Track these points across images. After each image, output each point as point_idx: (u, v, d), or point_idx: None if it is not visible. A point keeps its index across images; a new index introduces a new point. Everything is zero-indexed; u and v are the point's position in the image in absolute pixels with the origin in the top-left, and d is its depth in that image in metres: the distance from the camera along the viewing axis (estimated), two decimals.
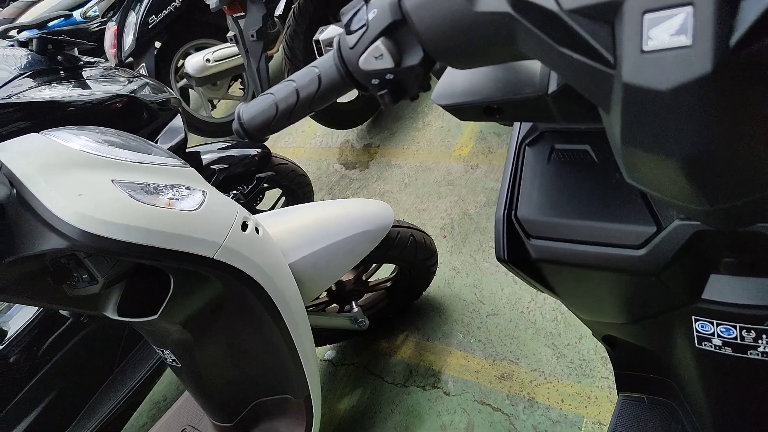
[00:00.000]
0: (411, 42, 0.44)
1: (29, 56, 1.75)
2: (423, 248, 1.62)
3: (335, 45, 0.50)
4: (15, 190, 0.95)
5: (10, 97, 1.51)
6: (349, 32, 0.47)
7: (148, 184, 1.03)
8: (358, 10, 0.47)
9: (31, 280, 1.01)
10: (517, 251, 0.67)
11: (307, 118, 2.86)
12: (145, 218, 0.96)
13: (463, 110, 0.56)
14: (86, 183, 0.96)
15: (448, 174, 2.40)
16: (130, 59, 3.44)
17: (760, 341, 0.57)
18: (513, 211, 0.67)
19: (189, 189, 1.09)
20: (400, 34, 0.45)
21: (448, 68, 0.56)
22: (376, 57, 0.45)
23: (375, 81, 0.47)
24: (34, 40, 1.76)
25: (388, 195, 2.53)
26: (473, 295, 1.87)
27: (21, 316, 1.60)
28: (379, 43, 0.45)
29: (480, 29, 0.39)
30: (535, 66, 0.51)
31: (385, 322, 1.92)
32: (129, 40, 3.39)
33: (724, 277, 0.57)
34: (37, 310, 1.61)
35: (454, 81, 0.55)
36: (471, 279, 1.92)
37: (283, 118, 0.55)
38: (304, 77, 0.54)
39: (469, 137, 2.49)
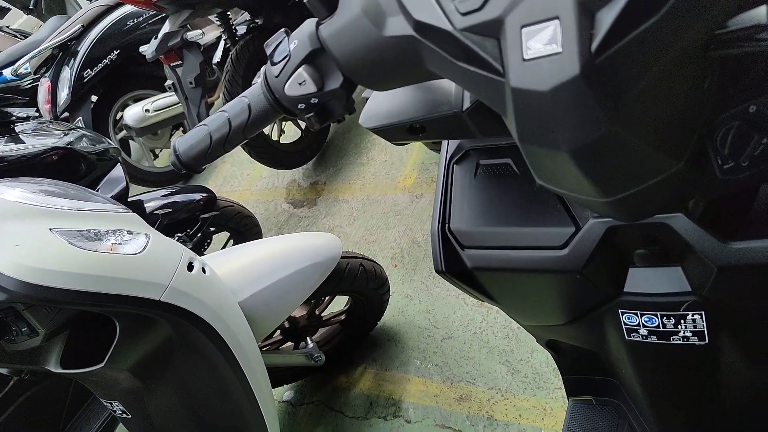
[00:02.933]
0: (331, 67, 0.48)
1: None
2: (374, 277, 1.65)
3: (262, 75, 0.54)
4: None
5: None
6: (273, 63, 0.51)
7: (89, 231, 1.02)
8: (281, 42, 0.51)
9: None
10: (453, 262, 0.71)
11: (252, 160, 2.88)
12: (87, 264, 0.95)
13: (389, 131, 0.60)
14: (23, 233, 0.94)
15: (394, 205, 2.45)
16: (66, 114, 3.38)
17: (679, 326, 0.62)
18: (446, 225, 0.71)
19: (131, 233, 1.08)
20: (320, 60, 0.49)
21: (373, 93, 0.61)
22: (300, 83, 0.49)
23: (301, 106, 0.51)
24: None
25: (338, 229, 2.55)
26: (427, 320, 1.89)
27: None
28: (301, 70, 0.49)
29: (390, 52, 0.44)
30: (450, 85, 0.56)
31: (342, 356, 1.91)
32: (64, 94, 3.33)
33: (641, 270, 0.62)
34: None
35: (378, 104, 0.60)
36: (424, 305, 1.95)
37: (218, 147, 0.58)
38: (234, 107, 0.57)
39: (412, 168, 2.56)
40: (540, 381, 1.55)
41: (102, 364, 1.01)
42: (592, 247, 0.60)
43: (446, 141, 0.74)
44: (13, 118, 1.83)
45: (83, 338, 1.08)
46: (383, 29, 0.43)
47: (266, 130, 2.81)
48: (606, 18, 0.31)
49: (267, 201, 3.04)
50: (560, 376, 1.50)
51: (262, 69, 0.54)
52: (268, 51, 0.52)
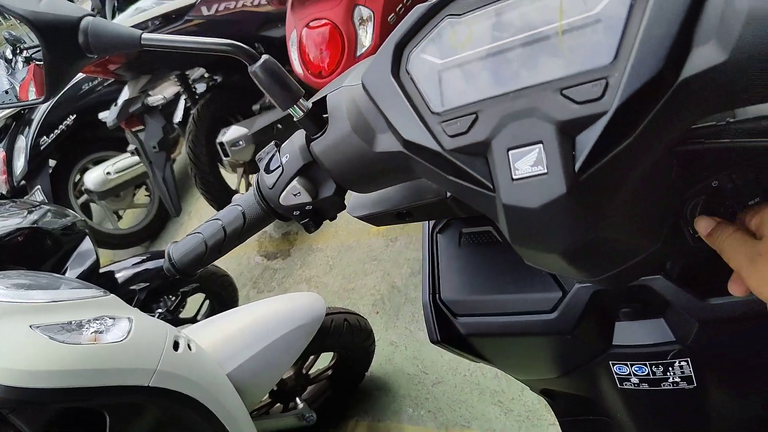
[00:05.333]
0: (324, 177, 0.50)
1: None
2: (359, 330, 1.64)
3: (254, 185, 0.55)
4: None
5: None
6: (268, 172, 0.52)
7: (70, 323, 1.00)
8: (273, 155, 0.53)
9: None
10: (447, 331, 0.73)
11: None
12: (72, 359, 0.92)
13: (376, 218, 0.62)
14: (3, 334, 0.92)
15: (370, 251, 2.46)
16: (23, 183, 3.29)
17: (668, 373, 0.64)
18: (437, 295, 0.73)
19: (113, 318, 1.06)
20: (312, 172, 0.50)
21: None
22: (295, 194, 0.50)
23: (296, 213, 0.52)
24: None
25: (315, 279, 2.54)
26: (415, 366, 1.89)
27: None
28: (295, 182, 0.50)
29: (381, 164, 0.46)
30: None
31: (333, 412, 1.88)
32: (20, 164, 3.26)
33: (627, 323, 0.65)
34: None
35: (364, 195, 0.61)
36: (410, 351, 1.95)
37: (213, 252, 0.59)
38: (228, 215, 0.58)
39: None
40: (533, 418, 1.56)
41: None
42: (580, 310, 0.62)
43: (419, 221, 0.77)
44: None
45: None
46: (373, 145, 0.45)
47: (232, 183, 2.81)
48: (586, 140, 0.34)
49: (239, 255, 3.00)
50: (551, 412, 1.53)
51: (255, 178, 0.55)
52: (261, 164, 0.54)
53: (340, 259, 2.55)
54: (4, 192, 3.29)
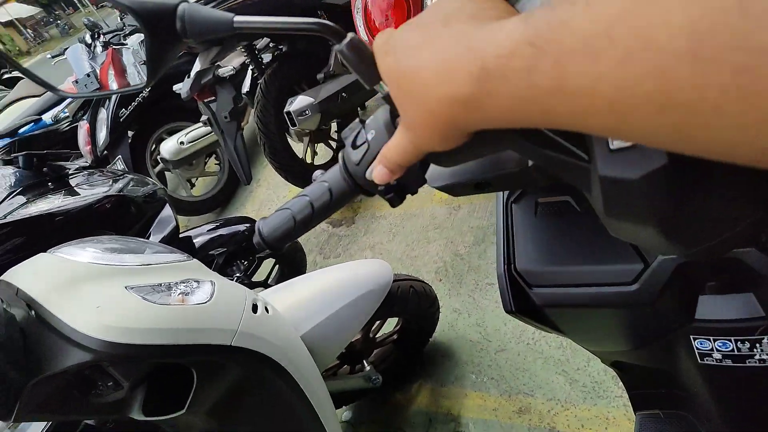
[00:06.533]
0: None
1: (16, 173, 1.80)
2: (424, 297, 1.67)
3: (341, 161, 0.57)
4: (33, 312, 0.99)
5: (5, 217, 1.55)
6: (354, 148, 0.54)
7: (160, 285, 1.07)
8: (358, 132, 0.54)
9: (58, 396, 1.03)
10: (521, 301, 0.73)
11: (287, 183, 2.94)
12: (163, 318, 1.00)
13: (455, 188, 0.62)
14: (101, 294, 1.00)
15: (433, 218, 2.47)
16: (106, 152, 3.51)
17: (755, 350, 0.62)
18: (512, 265, 0.74)
19: (198, 282, 1.13)
20: None
21: None
22: None
23: (381, 188, 0.54)
24: (20, 158, 1.82)
25: (379, 246, 2.58)
26: (478, 334, 1.91)
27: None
28: None
29: (470, 137, 0.46)
30: None
31: (397, 375, 1.94)
32: (102, 135, 3.46)
33: (712, 297, 0.63)
34: (45, 425, 1.60)
35: None
36: (473, 318, 1.96)
37: (301, 227, 0.61)
38: (316, 191, 0.60)
39: None
40: (600, 390, 1.55)
41: (183, 411, 1.06)
42: (663, 282, 0.61)
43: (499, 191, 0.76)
44: (67, 170, 1.92)
45: (162, 386, 1.13)
46: None
47: (299, 152, 2.87)
48: None
49: None
50: (619, 384, 1.51)
51: (341, 154, 0.57)
52: (347, 141, 0.55)
53: (403, 226, 2.57)
54: (89, 161, 3.52)
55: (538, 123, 0.31)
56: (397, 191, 0.54)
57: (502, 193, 0.77)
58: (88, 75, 3.00)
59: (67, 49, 3.39)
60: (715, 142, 0.22)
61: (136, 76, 2.81)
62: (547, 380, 1.65)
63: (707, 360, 0.67)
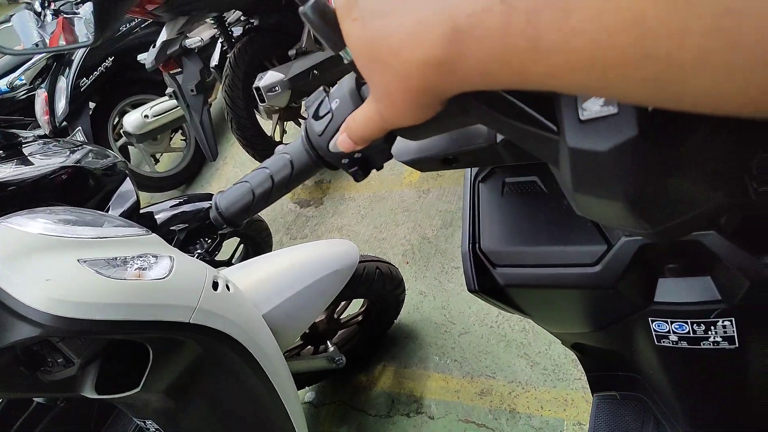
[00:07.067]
0: None
1: None
2: (390, 279, 1.66)
3: (303, 133, 0.54)
4: None
5: None
6: (317, 119, 0.52)
7: (115, 258, 1.03)
8: (322, 101, 0.52)
9: (4, 372, 0.99)
10: (485, 281, 0.73)
11: (254, 161, 2.88)
12: (117, 293, 0.96)
13: (422, 163, 0.61)
14: (52, 267, 0.96)
15: (402, 201, 2.46)
16: (65, 124, 3.37)
17: (709, 332, 0.64)
18: (477, 244, 0.73)
19: (156, 257, 1.10)
20: None
21: None
22: None
23: (345, 160, 0.51)
24: None
25: (347, 228, 2.56)
26: (443, 316, 1.92)
27: None
28: None
29: (439, 112, 0.44)
30: None
31: (361, 356, 1.93)
32: (61, 105, 3.32)
33: (671, 280, 0.64)
34: None
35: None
36: (438, 301, 1.97)
37: (260, 201, 0.59)
38: (276, 163, 0.58)
39: None
40: (560, 373, 1.58)
41: (138, 389, 1.03)
42: (625, 264, 0.61)
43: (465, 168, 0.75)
44: (20, 139, 1.83)
45: (116, 364, 1.09)
46: None
47: (268, 130, 2.81)
48: None
49: None
50: (582, 370, 1.54)
51: (303, 125, 0.54)
52: (310, 110, 0.53)
53: (371, 209, 2.56)
54: (47, 132, 3.38)
55: (514, 84, 0.29)
56: (362, 165, 0.52)
57: (469, 172, 0.76)
58: (37, 44, 2.85)
59: (12, 15, 3.21)
60: (698, 94, 0.21)
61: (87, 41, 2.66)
62: (509, 363, 1.67)
63: (664, 342, 0.68)
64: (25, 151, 1.80)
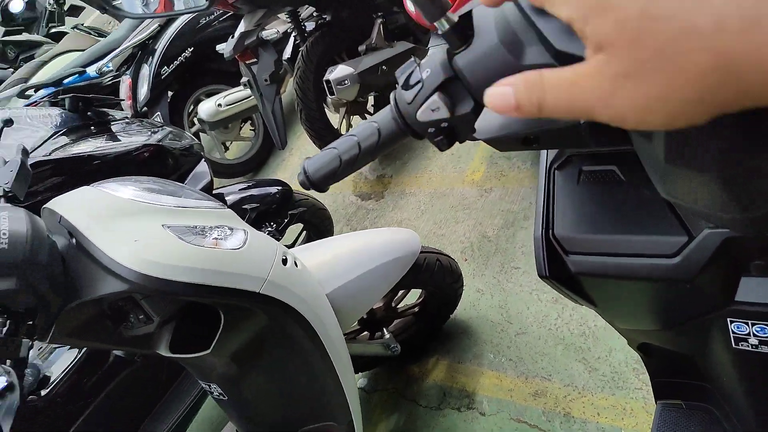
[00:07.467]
0: (462, 93, 0.51)
1: (62, 114, 1.84)
2: (449, 272, 1.67)
3: (392, 101, 0.56)
4: (74, 240, 1.02)
5: (49, 154, 1.60)
6: (406, 88, 0.54)
7: (195, 227, 1.10)
8: (412, 71, 0.54)
9: (91, 323, 1.07)
10: (556, 267, 0.72)
11: (319, 151, 2.93)
12: (197, 258, 1.02)
13: (502, 142, 0.62)
14: (140, 229, 1.03)
15: (463, 199, 2.46)
16: (145, 109, 3.57)
17: None
18: (550, 230, 0.73)
19: (231, 229, 1.15)
20: (452, 87, 0.51)
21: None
22: (433, 110, 0.51)
23: (431, 130, 0.53)
24: (67, 100, 1.86)
25: (406, 222, 2.58)
26: (500, 315, 1.90)
27: (63, 360, 1.65)
28: (435, 96, 0.51)
29: None
30: None
31: (415, 347, 1.95)
32: (143, 91, 3.52)
33: (755, 279, 0.61)
34: (78, 353, 1.66)
35: (491, 116, 0.61)
36: (496, 300, 1.96)
37: (347, 167, 0.61)
38: (364, 131, 0.60)
39: (480, 162, 2.56)
40: (619, 380, 1.53)
41: (208, 351, 1.09)
42: (707, 257, 0.59)
43: (545, 149, 0.75)
44: (110, 117, 1.96)
45: (189, 326, 1.16)
46: (521, 59, 0.45)
47: (335, 123, 2.88)
48: None
49: (335, 193, 3.11)
50: (643, 380, 1.49)
51: (392, 95, 0.56)
52: (400, 79, 0.55)
53: (432, 204, 2.57)
54: (129, 116, 3.59)
55: None
56: (447, 135, 0.53)
57: (545, 158, 0.76)
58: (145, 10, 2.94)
59: None
60: None
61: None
62: (566, 366, 1.64)
63: (742, 345, 0.65)
64: (113, 128, 1.92)
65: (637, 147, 0.49)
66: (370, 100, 3.03)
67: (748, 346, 0.65)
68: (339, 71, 2.57)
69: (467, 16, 0.50)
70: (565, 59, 0.41)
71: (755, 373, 0.71)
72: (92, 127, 1.87)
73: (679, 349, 0.84)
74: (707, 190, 0.40)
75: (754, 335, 0.64)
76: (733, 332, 0.65)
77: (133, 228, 1.03)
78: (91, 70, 4.13)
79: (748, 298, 0.62)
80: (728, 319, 0.65)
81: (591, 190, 0.70)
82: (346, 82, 2.56)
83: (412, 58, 0.56)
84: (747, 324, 0.63)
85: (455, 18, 0.50)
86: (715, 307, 0.64)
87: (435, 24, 0.50)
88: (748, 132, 0.34)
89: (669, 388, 1.03)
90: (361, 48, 2.79)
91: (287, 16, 2.76)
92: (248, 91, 3.23)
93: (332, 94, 2.56)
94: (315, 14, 2.95)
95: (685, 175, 0.40)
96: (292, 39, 2.90)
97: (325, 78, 2.57)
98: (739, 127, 0.34)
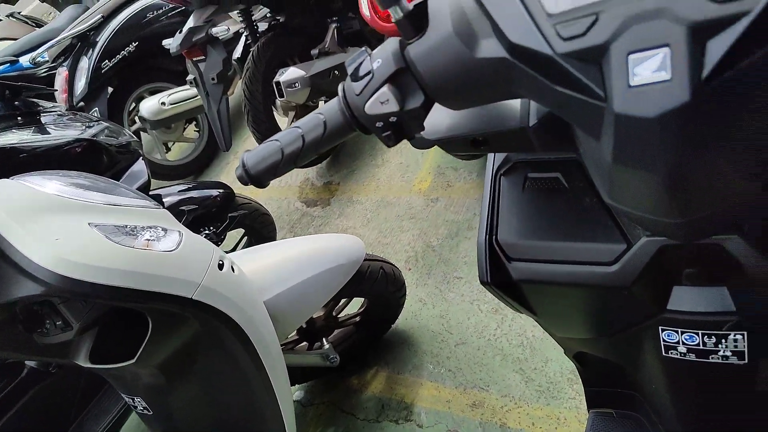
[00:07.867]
0: (413, 87, 0.49)
1: None
2: (393, 281, 1.66)
3: (340, 92, 0.54)
4: None
5: None
6: (355, 79, 0.51)
7: (125, 226, 1.03)
8: (363, 61, 0.52)
9: (1, 330, 0.98)
10: (498, 274, 0.72)
11: None
12: (125, 260, 0.96)
13: (450, 144, 0.61)
14: (63, 227, 0.95)
15: (409, 208, 2.46)
16: (82, 104, 3.40)
17: (719, 345, 0.62)
18: (494, 236, 0.72)
19: (165, 230, 1.09)
20: (402, 80, 0.49)
21: (435, 105, 0.61)
22: (382, 102, 0.49)
23: (379, 124, 0.51)
24: None
25: (351, 230, 2.56)
26: (441, 325, 1.90)
27: None
28: (385, 88, 0.49)
29: (479, 73, 0.44)
30: (516, 101, 0.57)
31: (355, 358, 1.92)
32: (81, 84, 3.35)
33: (686, 288, 0.63)
34: None
35: (440, 117, 0.60)
36: (437, 310, 1.96)
37: (289, 162, 0.59)
38: (309, 123, 0.57)
39: (428, 172, 2.58)
40: (554, 391, 1.56)
41: (133, 360, 1.02)
42: (643, 265, 0.60)
43: (493, 153, 0.75)
44: (40, 108, 1.84)
45: (113, 334, 1.09)
46: (475, 51, 0.44)
47: (283, 126, 2.82)
48: (719, 45, 0.31)
49: (280, 199, 3.05)
50: (577, 389, 1.52)
51: (340, 86, 0.54)
52: (349, 69, 0.53)
53: (378, 213, 2.56)
54: (63, 111, 3.40)
55: None
56: (395, 130, 0.51)
57: (491, 164, 0.76)
58: None
59: None
60: None
61: None
62: (504, 377, 1.66)
63: (672, 353, 0.67)
64: (43, 120, 1.81)
65: (583, 150, 0.48)
66: (321, 104, 3.00)
67: (677, 354, 0.67)
68: (290, 73, 2.53)
69: (422, 5, 0.49)
70: (519, 53, 0.40)
71: (683, 380, 0.72)
72: (18, 118, 1.75)
73: (612, 358, 0.85)
74: (650, 192, 0.40)
75: (683, 343, 0.65)
76: (664, 340, 0.67)
77: (55, 226, 0.95)
78: (25, 60, 3.90)
79: (678, 307, 0.63)
80: (660, 327, 0.66)
81: (535, 198, 0.71)
82: (297, 84, 2.52)
83: (363, 48, 0.55)
84: (677, 332, 0.65)
85: (410, 6, 0.48)
86: (648, 315, 0.65)
87: (389, 10, 0.48)
88: (698, 128, 0.34)
89: (601, 397, 1.05)
90: (314, 52, 2.76)
91: (239, 15, 2.70)
92: (194, 91, 3.14)
93: (282, 96, 2.52)
94: (268, 15, 2.90)
95: (631, 175, 0.39)
96: (243, 39, 2.84)
97: (275, 80, 2.53)
98: (688, 122, 0.33)
